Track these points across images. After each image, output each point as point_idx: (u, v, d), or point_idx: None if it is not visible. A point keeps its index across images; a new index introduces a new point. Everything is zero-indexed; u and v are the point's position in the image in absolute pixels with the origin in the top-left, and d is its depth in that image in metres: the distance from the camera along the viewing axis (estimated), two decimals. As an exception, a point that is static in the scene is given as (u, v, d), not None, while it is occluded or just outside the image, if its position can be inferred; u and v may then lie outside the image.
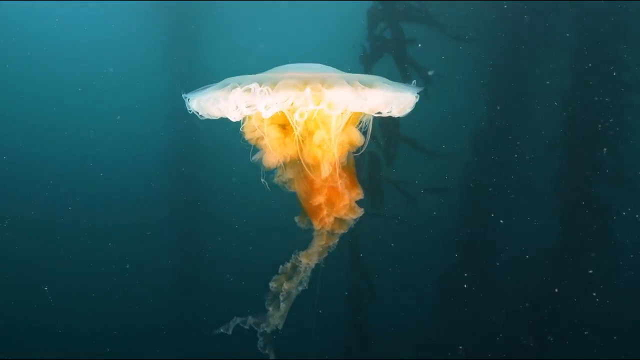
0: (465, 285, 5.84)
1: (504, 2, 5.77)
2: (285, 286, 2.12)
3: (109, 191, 7.15)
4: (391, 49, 5.94)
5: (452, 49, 6.04)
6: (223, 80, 1.79)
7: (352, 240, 5.95)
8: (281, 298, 2.15)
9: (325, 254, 2.20)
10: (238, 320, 2.29)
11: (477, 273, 5.95)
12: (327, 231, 2.10)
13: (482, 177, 6.13)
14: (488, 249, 6.13)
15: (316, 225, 2.07)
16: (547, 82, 6.21)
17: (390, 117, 6.16)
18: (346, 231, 2.17)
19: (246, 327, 2.28)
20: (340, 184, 1.95)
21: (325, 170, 1.88)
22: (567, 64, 5.89)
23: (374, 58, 5.91)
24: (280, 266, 2.23)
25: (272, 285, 2.21)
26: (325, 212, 2.01)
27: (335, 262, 6.00)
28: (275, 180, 2.08)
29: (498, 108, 6.27)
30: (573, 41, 5.87)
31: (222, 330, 2.29)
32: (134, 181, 7.21)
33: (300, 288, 2.18)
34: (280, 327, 2.27)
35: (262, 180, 2.04)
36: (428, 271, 6.27)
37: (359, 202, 2.03)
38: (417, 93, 1.88)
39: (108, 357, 6.45)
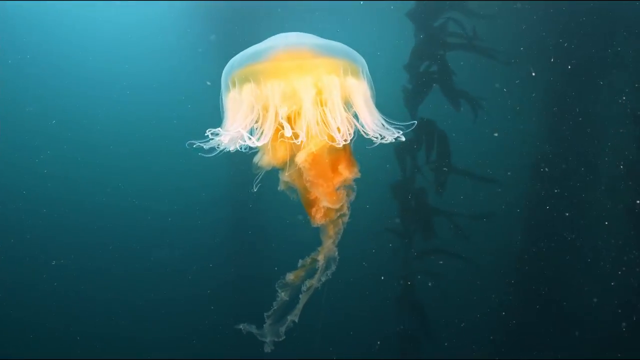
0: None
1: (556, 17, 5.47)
2: (309, 282, 2.13)
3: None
4: (438, 81, 5.83)
5: (503, 71, 5.79)
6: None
7: (404, 277, 5.71)
8: (304, 289, 2.16)
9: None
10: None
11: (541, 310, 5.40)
12: (328, 223, 2.06)
13: (543, 208, 5.66)
14: (553, 285, 5.56)
15: (314, 218, 2.03)
16: (619, 101, 5.70)
17: (441, 145, 5.89)
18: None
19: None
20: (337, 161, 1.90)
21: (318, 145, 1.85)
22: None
23: (420, 94, 5.80)
24: (300, 260, 2.23)
25: (290, 277, 2.19)
26: (321, 200, 1.97)
27: (388, 307, 5.81)
28: (281, 181, 2.06)
29: (560, 132, 5.84)
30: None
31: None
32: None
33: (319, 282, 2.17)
34: (295, 319, 2.23)
35: (254, 186, 2.02)
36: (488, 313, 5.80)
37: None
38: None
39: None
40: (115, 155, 7.68)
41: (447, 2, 5.69)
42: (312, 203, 2.03)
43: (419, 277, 5.66)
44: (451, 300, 5.64)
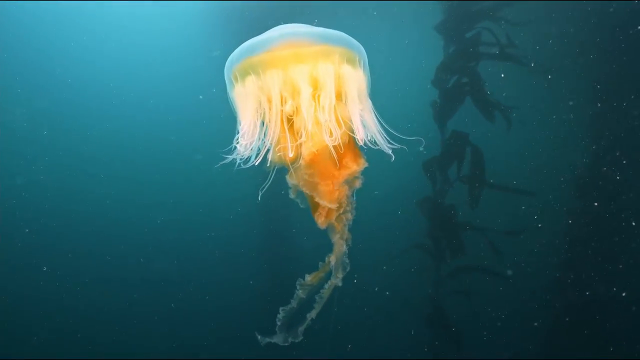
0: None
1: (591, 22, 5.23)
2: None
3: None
4: (470, 93, 5.70)
5: (539, 80, 5.59)
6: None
7: (435, 294, 5.55)
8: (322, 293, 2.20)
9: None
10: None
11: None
12: (333, 224, 2.04)
13: (583, 222, 5.37)
14: (594, 305, 5.24)
15: (320, 221, 2.03)
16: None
17: (474, 158, 5.72)
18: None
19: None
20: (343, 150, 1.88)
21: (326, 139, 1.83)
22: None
23: (451, 107, 5.68)
24: (320, 263, 2.25)
25: (308, 279, 2.21)
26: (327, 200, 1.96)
27: (418, 325, 5.66)
28: (291, 188, 2.06)
29: (602, 142, 5.54)
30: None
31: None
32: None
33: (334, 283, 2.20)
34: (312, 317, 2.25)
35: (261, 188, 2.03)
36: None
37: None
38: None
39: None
40: (138, 165, 7.95)
41: (478, 12, 5.58)
42: (317, 205, 2.02)
43: (450, 295, 5.48)
44: (484, 319, 5.43)
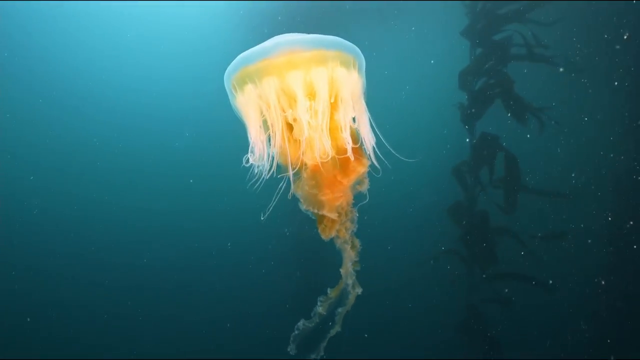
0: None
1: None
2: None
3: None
4: (499, 95, 5.61)
5: (572, 80, 5.45)
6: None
7: (468, 300, 5.43)
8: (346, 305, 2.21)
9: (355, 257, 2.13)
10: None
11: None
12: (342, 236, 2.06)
13: (626, 225, 5.16)
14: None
15: (324, 234, 2.04)
16: None
17: (508, 162, 5.59)
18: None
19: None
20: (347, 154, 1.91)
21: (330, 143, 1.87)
22: None
23: (479, 110, 5.60)
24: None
25: (330, 293, 2.23)
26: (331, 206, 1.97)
27: (450, 329, 5.54)
28: (295, 189, 2.09)
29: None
30: None
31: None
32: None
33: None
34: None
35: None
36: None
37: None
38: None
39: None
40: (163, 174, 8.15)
41: (505, 15, 5.51)
42: (322, 218, 2.05)
43: (485, 301, 5.34)
44: (521, 325, 5.26)
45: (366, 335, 6.37)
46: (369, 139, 1.99)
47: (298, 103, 1.79)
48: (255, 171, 1.93)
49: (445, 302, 5.90)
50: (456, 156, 5.52)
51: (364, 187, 2.06)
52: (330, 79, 1.82)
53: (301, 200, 2.01)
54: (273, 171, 1.93)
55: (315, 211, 2.00)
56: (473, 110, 5.51)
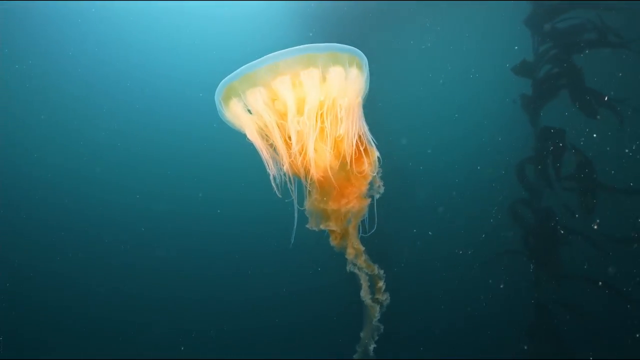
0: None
1: None
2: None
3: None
4: (566, 86, 5.26)
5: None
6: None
7: (535, 303, 5.15)
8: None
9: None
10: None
11: None
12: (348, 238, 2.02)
13: None
14: None
15: (335, 242, 2.01)
16: None
17: (579, 158, 5.25)
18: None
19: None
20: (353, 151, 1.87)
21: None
22: None
23: (543, 101, 5.29)
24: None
25: (363, 333, 2.22)
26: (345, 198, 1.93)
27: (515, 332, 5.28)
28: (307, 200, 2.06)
29: None
30: None
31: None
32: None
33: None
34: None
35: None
36: None
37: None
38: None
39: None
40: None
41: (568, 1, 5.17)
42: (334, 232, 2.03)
43: (553, 304, 5.04)
44: (590, 330, 4.91)
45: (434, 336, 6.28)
46: (368, 139, 1.91)
47: (288, 110, 1.76)
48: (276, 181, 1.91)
49: (510, 303, 5.64)
50: (518, 151, 5.26)
51: (378, 184, 2.00)
52: (322, 80, 1.78)
53: (309, 217, 2.00)
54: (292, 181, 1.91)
55: (324, 227, 1.98)
56: (536, 101, 5.22)
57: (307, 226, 2.04)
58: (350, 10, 6.84)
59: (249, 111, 1.83)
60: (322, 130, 1.78)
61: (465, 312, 6.57)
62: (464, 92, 7.00)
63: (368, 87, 1.96)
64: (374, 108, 7.70)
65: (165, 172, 8.25)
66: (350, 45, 1.80)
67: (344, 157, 1.85)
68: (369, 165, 1.90)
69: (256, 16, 7.51)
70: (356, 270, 2.07)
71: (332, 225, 1.96)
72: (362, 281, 2.05)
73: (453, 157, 7.17)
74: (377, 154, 1.93)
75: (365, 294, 2.07)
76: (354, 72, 1.82)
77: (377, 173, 1.95)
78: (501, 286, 6.00)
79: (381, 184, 1.97)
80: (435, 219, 7.18)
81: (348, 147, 1.84)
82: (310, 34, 6.98)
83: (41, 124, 7.83)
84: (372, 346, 2.17)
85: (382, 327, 2.20)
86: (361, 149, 1.90)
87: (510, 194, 5.49)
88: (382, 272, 2.09)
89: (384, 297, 2.09)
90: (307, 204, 1.95)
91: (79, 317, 7.43)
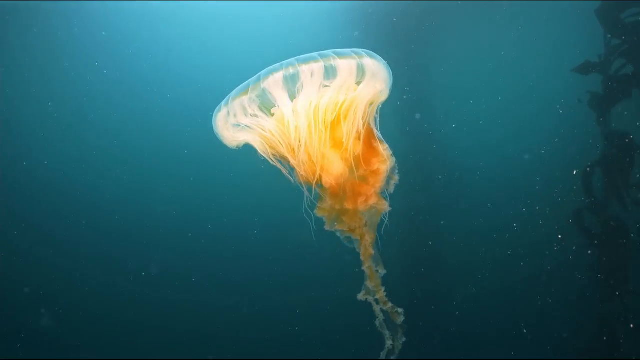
0: None
1: None
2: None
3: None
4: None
5: None
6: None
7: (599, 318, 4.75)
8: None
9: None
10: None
11: None
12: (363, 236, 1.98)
13: None
14: None
15: (348, 226, 1.95)
16: None
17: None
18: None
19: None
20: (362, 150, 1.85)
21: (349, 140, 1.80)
22: None
23: (613, 100, 4.83)
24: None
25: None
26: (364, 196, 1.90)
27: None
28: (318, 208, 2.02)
29: None
30: None
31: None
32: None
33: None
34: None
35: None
36: None
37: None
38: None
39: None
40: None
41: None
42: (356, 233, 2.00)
43: (617, 317, 4.61)
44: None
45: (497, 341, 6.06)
46: (378, 136, 1.84)
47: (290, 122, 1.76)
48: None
49: (572, 312, 5.28)
50: (583, 156, 4.87)
51: (392, 186, 1.92)
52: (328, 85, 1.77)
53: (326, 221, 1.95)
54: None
55: (339, 229, 1.93)
56: (605, 102, 4.79)
57: (327, 229, 2.03)
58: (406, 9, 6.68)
59: (248, 126, 1.86)
60: (331, 137, 1.77)
61: (528, 322, 6.26)
62: (527, 95, 6.65)
63: (389, 88, 1.91)
64: (432, 110, 7.49)
65: (188, 177, 8.41)
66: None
67: (355, 160, 1.82)
68: (382, 163, 1.86)
69: (305, 15, 7.49)
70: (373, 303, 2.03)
71: (348, 226, 1.93)
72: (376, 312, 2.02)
73: (514, 160, 6.82)
74: (389, 150, 1.88)
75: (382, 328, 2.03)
76: (369, 75, 1.80)
77: (394, 169, 1.90)
78: (561, 297, 5.64)
79: (397, 179, 1.91)
80: (496, 224, 6.86)
81: (357, 148, 1.82)
82: (356, 34, 6.89)
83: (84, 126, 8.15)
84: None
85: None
86: (373, 146, 1.87)
87: (575, 200, 5.11)
88: (400, 309, 2.04)
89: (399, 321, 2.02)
90: (319, 210, 1.94)
91: (94, 319, 7.47)
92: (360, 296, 2.02)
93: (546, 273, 6.05)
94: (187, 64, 8.05)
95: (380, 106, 1.90)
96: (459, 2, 6.37)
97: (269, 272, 7.81)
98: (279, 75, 1.67)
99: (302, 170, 1.81)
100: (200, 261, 7.97)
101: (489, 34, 6.88)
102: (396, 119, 6.92)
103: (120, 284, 7.66)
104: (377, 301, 2.00)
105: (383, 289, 2.00)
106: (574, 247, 4.97)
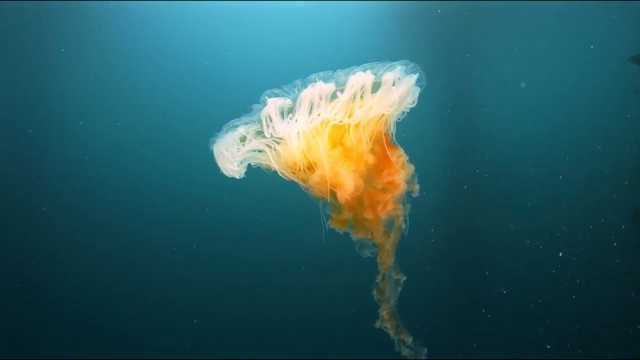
0: None
1: None
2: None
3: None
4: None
5: None
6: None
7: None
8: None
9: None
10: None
11: None
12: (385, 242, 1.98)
13: None
14: None
15: (365, 230, 1.91)
16: None
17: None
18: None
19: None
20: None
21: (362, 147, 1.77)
22: None
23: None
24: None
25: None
26: (384, 203, 1.84)
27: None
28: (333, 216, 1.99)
29: None
30: None
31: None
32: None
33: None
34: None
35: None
36: None
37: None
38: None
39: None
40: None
41: None
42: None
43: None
44: None
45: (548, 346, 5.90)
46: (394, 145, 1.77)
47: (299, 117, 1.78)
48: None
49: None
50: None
51: (416, 189, 1.84)
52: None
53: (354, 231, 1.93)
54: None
55: (367, 236, 1.95)
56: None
57: (352, 236, 1.99)
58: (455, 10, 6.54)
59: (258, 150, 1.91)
60: (343, 152, 1.73)
61: (587, 318, 6.04)
62: (578, 89, 6.31)
63: (414, 97, 1.85)
64: (480, 112, 7.24)
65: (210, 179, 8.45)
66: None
67: (370, 171, 1.79)
68: (397, 172, 1.78)
69: (356, 16, 7.46)
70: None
71: (366, 232, 1.88)
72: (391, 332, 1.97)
73: (566, 159, 6.49)
74: (405, 157, 1.81)
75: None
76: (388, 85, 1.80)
77: (413, 177, 1.82)
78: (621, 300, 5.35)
79: (418, 187, 1.84)
80: (543, 225, 6.58)
81: (372, 159, 1.79)
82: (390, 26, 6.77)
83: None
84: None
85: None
86: (388, 156, 1.80)
87: (633, 201, 4.81)
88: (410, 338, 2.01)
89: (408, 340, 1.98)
90: (334, 221, 1.91)
91: (92, 319, 7.61)
92: (377, 324, 2.02)
93: (607, 273, 5.75)
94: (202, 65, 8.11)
95: (404, 113, 1.85)
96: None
97: (277, 274, 7.83)
98: (272, 108, 1.67)
99: (315, 190, 1.79)
100: (206, 262, 8.10)
101: (539, 26, 6.61)
102: (439, 114, 6.79)
103: (132, 282, 7.85)
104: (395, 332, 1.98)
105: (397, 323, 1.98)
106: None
